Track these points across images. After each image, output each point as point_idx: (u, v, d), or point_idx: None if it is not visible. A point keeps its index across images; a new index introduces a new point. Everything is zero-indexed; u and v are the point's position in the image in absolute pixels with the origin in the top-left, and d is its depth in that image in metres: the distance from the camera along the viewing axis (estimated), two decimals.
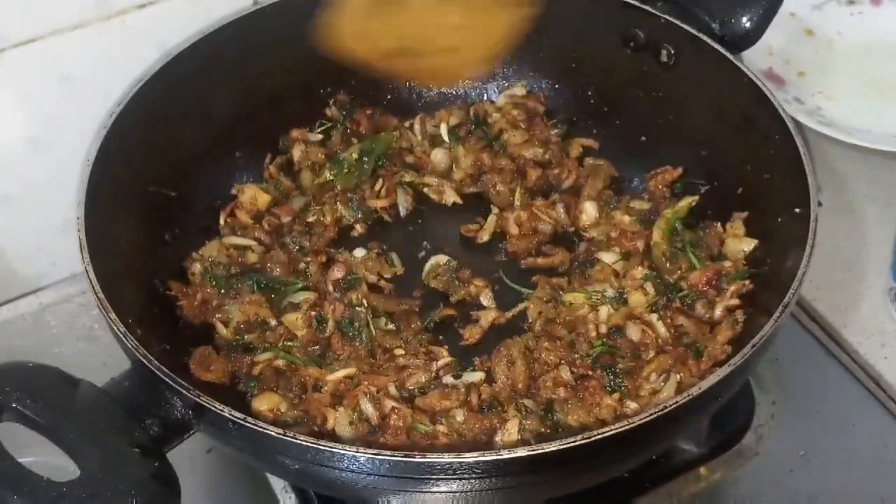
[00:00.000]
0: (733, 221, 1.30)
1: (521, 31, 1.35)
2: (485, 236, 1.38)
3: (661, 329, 1.21)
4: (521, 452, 0.95)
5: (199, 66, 1.35)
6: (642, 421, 0.97)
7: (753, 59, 1.61)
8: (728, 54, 1.31)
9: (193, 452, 1.27)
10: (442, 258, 1.34)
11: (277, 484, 1.24)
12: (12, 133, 1.35)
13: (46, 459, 1.00)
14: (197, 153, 1.38)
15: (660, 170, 1.39)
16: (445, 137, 1.48)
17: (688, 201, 1.35)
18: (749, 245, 1.27)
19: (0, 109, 1.33)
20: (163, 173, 1.33)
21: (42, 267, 1.47)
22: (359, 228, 1.40)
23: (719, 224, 1.30)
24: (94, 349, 1.38)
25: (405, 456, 0.95)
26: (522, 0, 1.31)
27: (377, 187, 1.42)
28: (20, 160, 1.37)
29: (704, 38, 1.32)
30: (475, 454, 0.95)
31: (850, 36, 1.74)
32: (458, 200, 1.43)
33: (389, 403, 1.15)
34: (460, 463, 0.95)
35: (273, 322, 1.25)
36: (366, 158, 1.42)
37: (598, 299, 1.25)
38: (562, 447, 0.95)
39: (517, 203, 1.39)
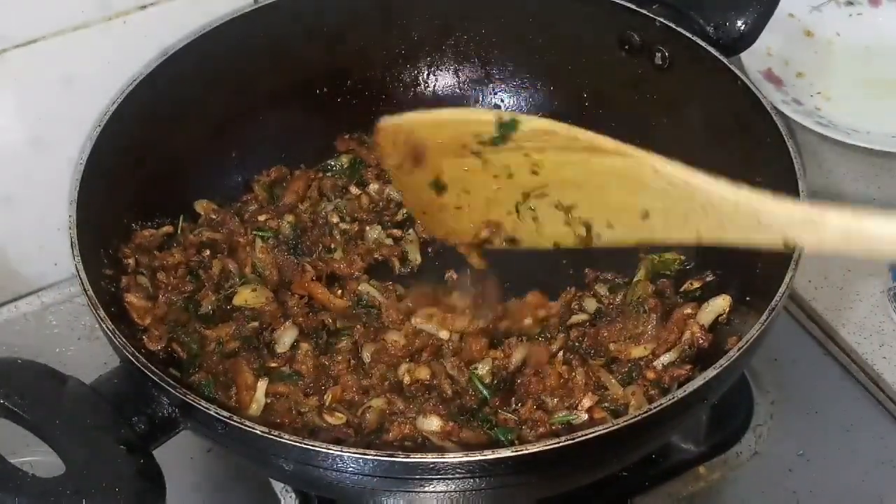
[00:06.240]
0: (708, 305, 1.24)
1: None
2: None
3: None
4: (505, 453, 0.95)
5: (195, 64, 1.35)
6: (626, 423, 0.97)
7: (752, 60, 1.62)
8: (722, 58, 1.31)
9: (194, 452, 1.28)
10: None
11: (278, 484, 1.24)
12: (14, 133, 1.36)
13: (48, 459, 1.01)
14: (192, 152, 1.38)
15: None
16: None
17: (675, 257, 1.34)
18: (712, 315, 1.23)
19: (2, 110, 1.33)
20: (157, 171, 1.33)
21: (43, 267, 1.48)
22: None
23: (689, 308, 1.24)
24: (96, 349, 1.38)
25: (389, 456, 0.95)
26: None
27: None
28: (22, 160, 1.38)
29: (699, 41, 1.33)
30: (459, 454, 0.95)
31: (849, 37, 1.75)
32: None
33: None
34: (444, 463, 0.95)
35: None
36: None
37: None
38: (546, 448, 0.95)
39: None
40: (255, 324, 1.24)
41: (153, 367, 1.03)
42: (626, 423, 0.97)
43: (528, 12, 1.45)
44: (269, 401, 1.17)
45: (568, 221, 1.26)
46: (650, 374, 1.19)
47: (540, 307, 1.28)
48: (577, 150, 1.21)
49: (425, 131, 1.29)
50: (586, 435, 0.96)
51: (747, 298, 1.20)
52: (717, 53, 1.32)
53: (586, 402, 1.15)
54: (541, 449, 0.95)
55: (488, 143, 1.25)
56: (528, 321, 1.26)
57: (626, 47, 1.39)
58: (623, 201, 1.19)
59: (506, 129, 1.23)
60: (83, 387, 1.04)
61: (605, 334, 1.23)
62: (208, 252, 1.32)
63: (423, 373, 1.19)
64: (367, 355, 1.23)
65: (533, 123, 1.24)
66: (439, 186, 1.33)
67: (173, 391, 1.01)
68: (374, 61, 1.49)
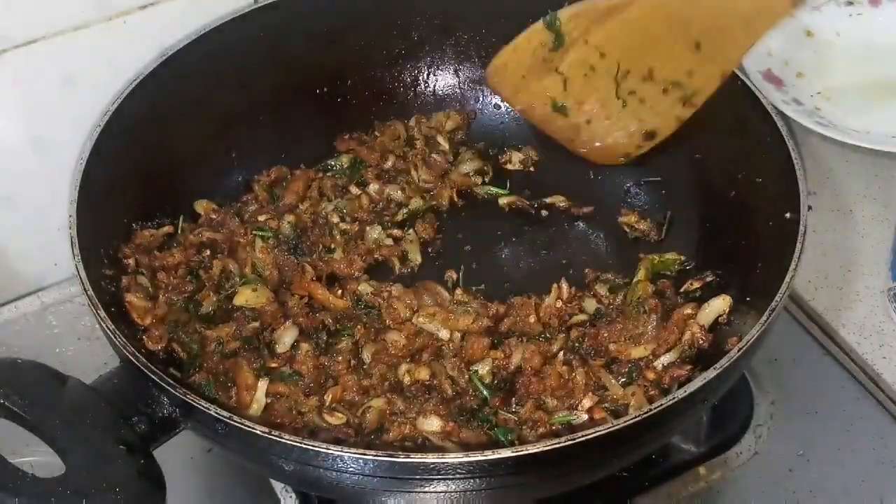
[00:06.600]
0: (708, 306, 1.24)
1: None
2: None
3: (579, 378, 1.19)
4: (505, 453, 0.95)
5: (195, 64, 1.36)
6: (626, 423, 0.97)
7: (752, 60, 1.62)
8: None
9: (194, 452, 1.28)
10: None
11: (278, 484, 1.24)
12: (14, 134, 1.36)
13: (48, 459, 1.01)
14: (192, 152, 1.39)
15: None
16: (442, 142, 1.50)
17: (675, 257, 1.34)
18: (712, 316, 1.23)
19: (2, 110, 1.33)
20: (157, 171, 1.34)
21: (44, 267, 1.48)
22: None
23: (689, 308, 1.24)
24: (96, 349, 1.38)
25: (389, 456, 0.96)
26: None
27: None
28: (22, 161, 1.38)
29: None
30: (459, 455, 0.95)
31: (849, 37, 1.74)
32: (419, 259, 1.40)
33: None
34: (444, 463, 0.95)
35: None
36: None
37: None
38: (546, 448, 0.95)
39: None
40: (256, 324, 1.24)
41: (153, 368, 1.03)
42: (626, 424, 0.98)
43: (528, 12, 1.45)
44: (269, 401, 1.17)
45: (664, 89, 1.30)
46: (650, 375, 1.19)
47: (559, 298, 1.28)
48: (609, 17, 1.28)
49: (510, 67, 1.37)
50: (586, 435, 0.96)
51: (747, 298, 1.20)
52: None
53: (586, 403, 1.15)
54: (541, 449, 0.95)
55: (553, 49, 1.32)
56: (532, 318, 1.26)
57: None
58: (672, 46, 1.25)
59: (553, 27, 1.31)
60: (83, 387, 1.04)
61: (605, 335, 1.23)
62: (208, 252, 1.32)
63: (424, 373, 1.19)
64: (367, 355, 1.23)
65: (567, 12, 1.32)
66: (559, 109, 1.37)
67: (173, 391, 1.01)
68: (374, 61, 1.50)
